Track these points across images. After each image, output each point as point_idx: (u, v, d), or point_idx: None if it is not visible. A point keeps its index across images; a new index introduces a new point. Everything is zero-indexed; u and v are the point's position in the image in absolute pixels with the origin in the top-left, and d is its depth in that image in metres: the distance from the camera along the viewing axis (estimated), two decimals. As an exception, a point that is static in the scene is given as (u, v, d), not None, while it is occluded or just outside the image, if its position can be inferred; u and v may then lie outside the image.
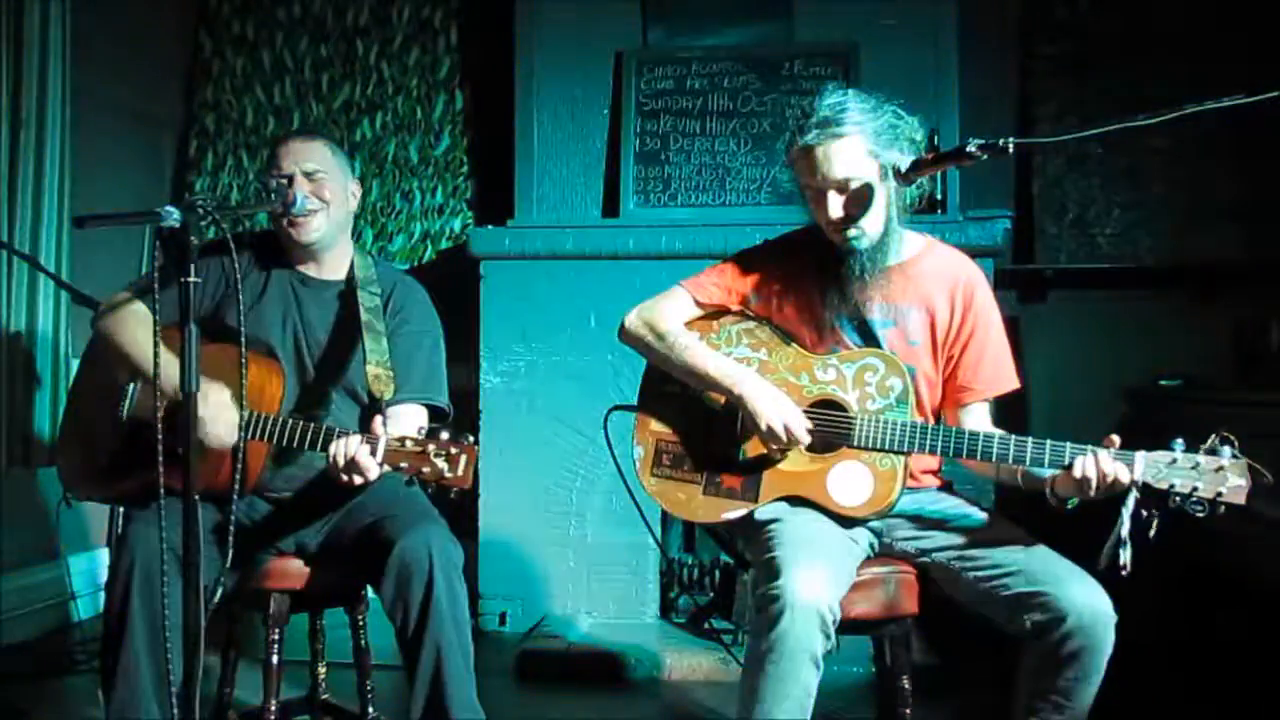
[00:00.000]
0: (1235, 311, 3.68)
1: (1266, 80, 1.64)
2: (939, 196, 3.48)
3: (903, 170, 1.92)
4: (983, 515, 2.05)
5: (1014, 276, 3.79)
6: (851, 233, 1.99)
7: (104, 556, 3.53)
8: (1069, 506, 1.86)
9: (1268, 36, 3.58)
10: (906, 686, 2.08)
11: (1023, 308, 3.85)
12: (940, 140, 3.44)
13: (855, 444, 1.97)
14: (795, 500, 2.01)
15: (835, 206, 1.97)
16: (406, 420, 2.14)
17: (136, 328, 2.16)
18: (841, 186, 1.96)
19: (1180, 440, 1.76)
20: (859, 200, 1.96)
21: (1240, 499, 1.72)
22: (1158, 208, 3.79)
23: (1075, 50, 3.85)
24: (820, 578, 1.77)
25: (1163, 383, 3.43)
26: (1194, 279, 3.75)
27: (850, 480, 1.98)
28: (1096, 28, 3.84)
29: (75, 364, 2.46)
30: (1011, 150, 1.78)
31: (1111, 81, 3.77)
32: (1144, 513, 1.75)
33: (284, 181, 2.20)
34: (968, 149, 1.80)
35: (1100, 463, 1.77)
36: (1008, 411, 2.18)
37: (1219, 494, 1.72)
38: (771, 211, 3.53)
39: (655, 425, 2.15)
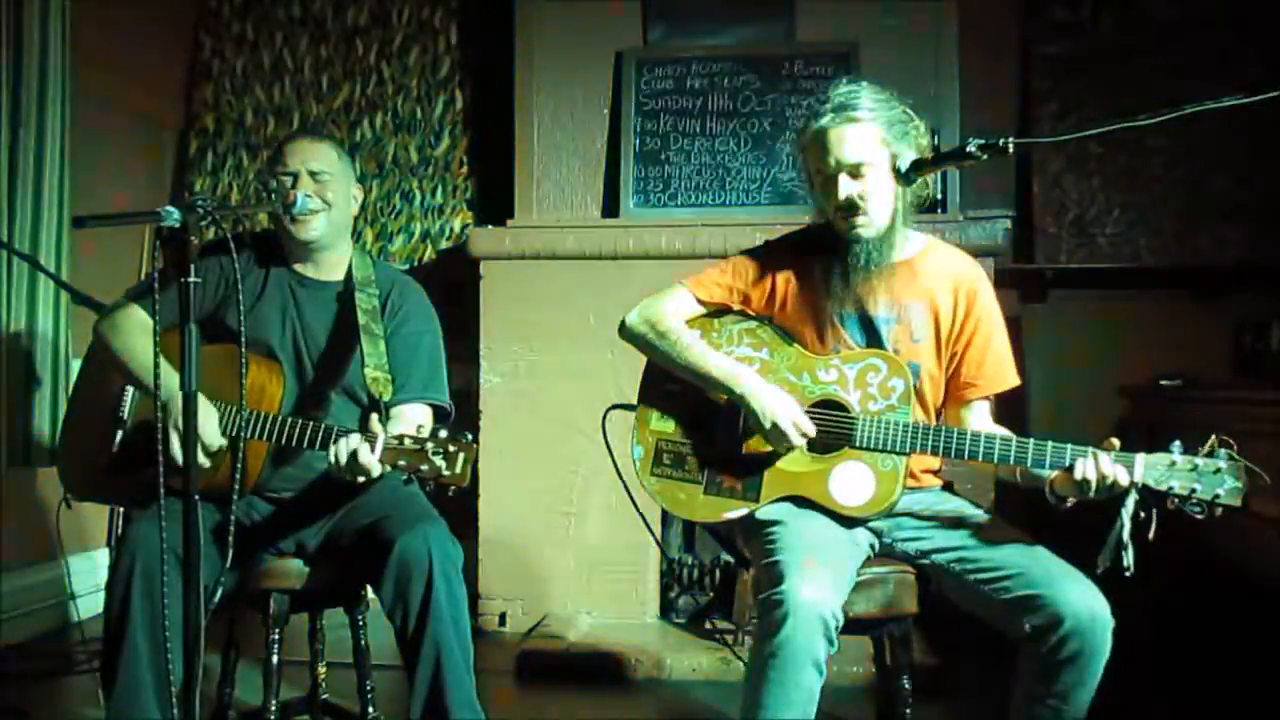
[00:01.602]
0: (1235, 311, 3.69)
1: (1267, 80, 1.64)
2: (939, 196, 3.48)
3: (903, 170, 1.93)
4: (983, 516, 2.05)
5: (1014, 276, 3.79)
6: (859, 219, 1.99)
7: (104, 556, 3.52)
8: (1067, 504, 1.86)
9: (1268, 36, 3.59)
10: (906, 686, 2.08)
11: (1023, 308, 3.86)
12: (940, 140, 3.44)
13: (857, 445, 1.97)
14: (796, 500, 2.01)
15: (846, 189, 1.97)
16: (409, 420, 2.14)
17: (133, 334, 2.16)
18: (854, 170, 1.96)
19: (1179, 442, 1.76)
20: (869, 185, 1.97)
21: (1237, 501, 1.72)
22: (1158, 208, 3.79)
23: (1075, 50, 3.85)
24: (823, 582, 1.77)
25: (1163, 383, 3.43)
26: (1194, 279, 3.75)
27: (852, 480, 1.98)
28: (1096, 27, 3.84)
29: (75, 364, 2.46)
30: (1011, 150, 1.79)
31: (1111, 81, 3.77)
32: (1142, 514, 1.76)
33: (286, 180, 2.20)
34: (968, 149, 1.81)
35: (1100, 465, 1.78)
36: (1008, 411, 2.18)
37: (1216, 496, 1.72)
38: (772, 211, 3.54)
39: (655, 424, 2.14)
